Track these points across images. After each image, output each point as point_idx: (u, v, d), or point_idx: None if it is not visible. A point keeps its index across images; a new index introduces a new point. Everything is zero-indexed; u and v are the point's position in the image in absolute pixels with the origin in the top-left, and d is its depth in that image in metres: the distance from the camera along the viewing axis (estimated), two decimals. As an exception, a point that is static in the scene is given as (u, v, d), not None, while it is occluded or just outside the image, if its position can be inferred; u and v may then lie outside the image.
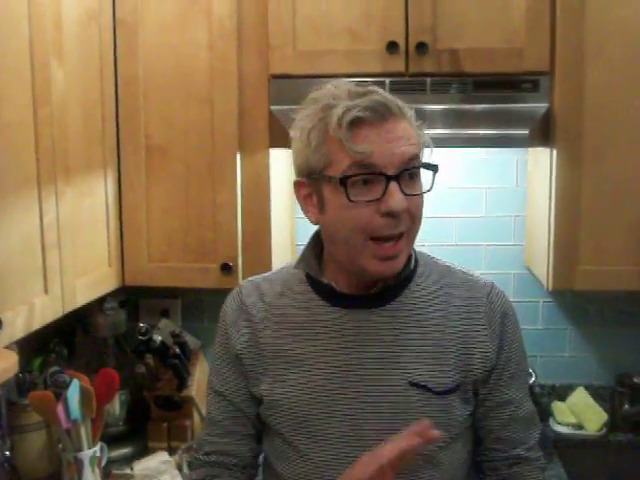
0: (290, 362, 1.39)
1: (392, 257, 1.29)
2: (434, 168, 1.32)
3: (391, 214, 1.25)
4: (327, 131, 1.27)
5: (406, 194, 1.26)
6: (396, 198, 1.24)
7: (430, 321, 1.38)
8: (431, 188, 1.32)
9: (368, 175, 1.25)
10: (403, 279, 1.39)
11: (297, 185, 1.37)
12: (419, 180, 1.31)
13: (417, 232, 1.34)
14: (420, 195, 1.31)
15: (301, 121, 1.33)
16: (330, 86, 1.33)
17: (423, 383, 1.34)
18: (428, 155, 1.34)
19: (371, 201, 1.25)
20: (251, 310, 1.45)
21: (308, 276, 1.43)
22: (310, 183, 1.33)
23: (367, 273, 1.32)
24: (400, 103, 1.30)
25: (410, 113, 1.32)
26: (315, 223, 1.37)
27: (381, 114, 1.25)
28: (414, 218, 1.30)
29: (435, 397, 1.34)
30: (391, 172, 1.25)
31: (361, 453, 1.31)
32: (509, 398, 1.42)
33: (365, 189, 1.26)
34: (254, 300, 1.46)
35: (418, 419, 1.30)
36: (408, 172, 1.27)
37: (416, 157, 1.29)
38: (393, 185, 1.25)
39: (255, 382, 1.43)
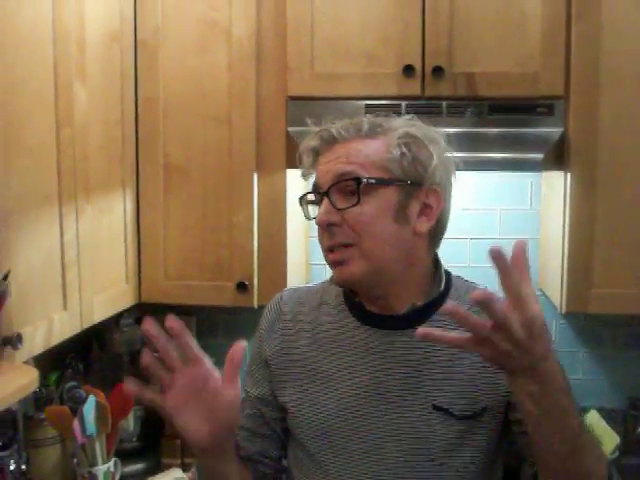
0: (317, 375, 1.41)
1: (340, 262, 1.34)
2: (356, 180, 1.31)
3: (319, 226, 1.35)
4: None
5: (339, 208, 1.32)
6: (320, 212, 1.34)
7: None
8: (358, 201, 1.31)
9: (312, 194, 1.40)
10: (433, 301, 1.39)
11: None
12: (364, 195, 1.31)
13: (372, 246, 1.32)
14: (352, 209, 1.31)
15: None
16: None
17: (446, 407, 1.34)
18: (438, 170, 1.37)
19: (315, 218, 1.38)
20: (287, 319, 1.48)
21: (344, 291, 1.46)
22: None
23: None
24: (370, 124, 1.36)
25: (390, 133, 1.35)
26: None
27: (326, 140, 1.37)
28: (357, 231, 1.32)
29: (457, 422, 1.34)
30: (323, 189, 1.35)
31: (380, 471, 1.34)
32: None
33: (317, 207, 1.38)
34: (292, 309, 1.49)
35: (439, 442, 1.32)
36: (339, 187, 1.32)
37: (348, 173, 1.32)
38: (324, 200, 1.34)
39: (281, 389, 1.45)
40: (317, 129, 1.40)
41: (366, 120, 1.37)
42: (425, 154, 1.35)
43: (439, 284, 1.42)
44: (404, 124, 1.38)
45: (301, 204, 1.44)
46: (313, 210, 1.41)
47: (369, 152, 1.33)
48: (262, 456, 1.50)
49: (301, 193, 1.44)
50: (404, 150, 1.33)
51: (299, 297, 1.51)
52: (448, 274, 1.47)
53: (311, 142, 1.39)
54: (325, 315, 1.46)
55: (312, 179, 1.42)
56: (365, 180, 1.31)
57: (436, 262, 1.45)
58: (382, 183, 1.32)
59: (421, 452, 1.33)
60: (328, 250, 1.35)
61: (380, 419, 1.36)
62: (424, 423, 1.34)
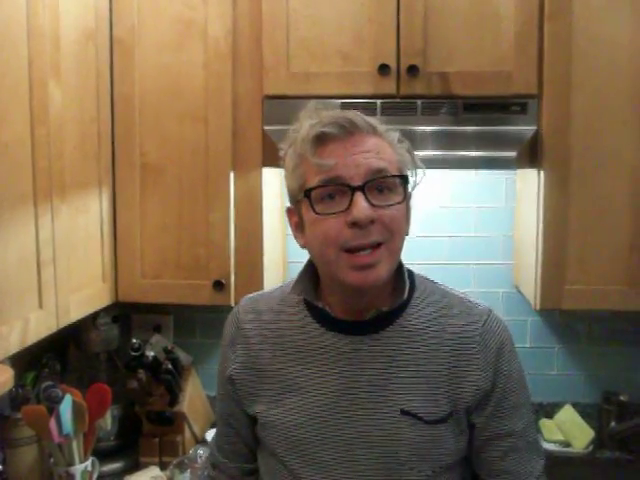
0: (285, 384, 1.40)
1: (368, 266, 1.27)
2: (403, 178, 1.31)
3: (357, 224, 1.25)
4: (299, 152, 1.31)
5: (374, 205, 1.26)
6: (360, 208, 1.24)
7: (424, 348, 1.37)
8: (404, 199, 1.31)
9: (333, 187, 1.27)
10: (398, 305, 1.38)
11: (288, 213, 1.41)
12: (394, 192, 1.30)
13: (399, 245, 1.32)
14: (393, 207, 1.29)
15: (282, 150, 1.38)
16: (304, 111, 1.36)
17: (414, 412, 1.33)
18: (420, 178, 1.35)
19: (337, 213, 1.27)
20: (248, 331, 1.46)
21: (304, 298, 1.43)
22: (295, 208, 1.37)
23: (347, 285, 1.30)
24: (376, 123, 1.33)
25: (390, 134, 1.34)
26: (302, 246, 1.38)
27: (346, 129, 1.28)
28: (390, 230, 1.28)
29: (426, 426, 1.33)
30: (356, 183, 1.26)
31: (352, 477, 1.33)
32: (509, 430, 1.38)
33: (332, 202, 1.28)
34: (251, 320, 1.47)
35: (408, 447, 1.32)
36: (375, 184, 1.27)
37: (385, 170, 1.28)
38: (358, 195, 1.25)
39: (250, 402, 1.45)
40: (313, 119, 1.32)
41: (361, 115, 1.33)
42: (412, 159, 1.36)
43: (403, 289, 1.38)
44: (384, 125, 1.36)
45: (308, 197, 1.29)
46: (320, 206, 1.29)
47: (388, 150, 1.32)
48: (247, 475, 1.55)
49: (312, 185, 1.29)
50: (406, 154, 1.35)
51: (258, 306, 1.49)
52: (412, 274, 1.45)
53: (324, 128, 1.28)
54: (287, 323, 1.43)
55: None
56: (408, 178, 1.31)
57: (399, 264, 1.41)
58: (408, 183, 1.33)
59: (391, 457, 1.33)
60: (356, 250, 1.27)
61: (349, 425, 1.35)
62: (393, 428, 1.33)
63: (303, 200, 1.31)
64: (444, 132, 2.13)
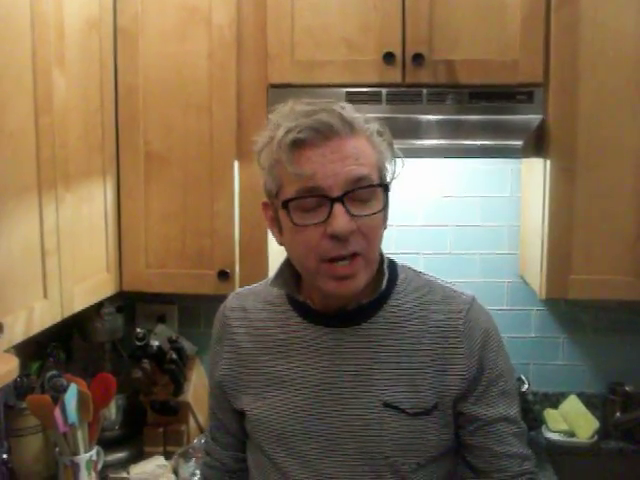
0: (270, 379, 1.39)
1: (347, 277, 1.25)
2: (384, 187, 1.28)
3: (336, 237, 1.22)
4: (274, 157, 1.26)
5: (354, 215, 1.23)
6: (340, 221, 1.21)
7: (406, 339, 1.35)
8: (384, 207, 1.28)
9: (311, 198, 1.23)
10: (379, 297, 1.36)
11: (263, 207, 1.37)
12: (374, 199, 1.26)
13: (376, 253, 1.30)
14: (372, 215, 1.25)
15: (257, 143, 1.33)
16: (282, 105, 1.31)
17: (396, 404, 1.32)
18: (399, 168, 1.31)
19: (317, 224, 1.23)
20: (234, 328, 1.45)
21: (286, 290, 1.42)
22: (271, 203, 1.33)
23: (326, 293, 1.30)
24: (353, 117, 1.26)
25: (370, 129, 1.29)
26: (279, 244, 1.36)
27: (323, 134, 1.22)
28: (368, 239, 1.25)
29: (409, 418, 1.32)
30: (335, 194, 1.22)
31: (336, 471, 1.33)
32: (501, 415, 1.35)
33: (311, 212, 1.24)
34: (237, 316, 1.46)
35: (391, 439, 1.31)
36: (355, 193, 1.23)
37: (365, 178, 1.24)
38: (337, 207, 1.22)
39: (237, 398, 1.44)
40: (291, 123, 1.23)
41: (339, 113, 1.25)
42: (392, 151, 1.32)
43: (382, 281, 1.36)
44: (363, 116, 1.29)
45: (286, 208, 1.25)
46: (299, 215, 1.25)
47: (368, 151, 1.27)
48: (242, 463, 1.53)
49: (289, 196, 1.24)
50: (386, 148, 1.30)
51: (243, 301, 1.48)
52: (394, 265, 1.42)
53: (300, 135, 1.21)
54: (270, 317, 1.42)
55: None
56: (389, 187, 1.27)
57: (380, 256, 1.38)
58: (389, 190, 1.29)
59: (374, 449, 1.32)
60: (333, 260, 1.24)
61: (332, 418, 1.34)
62: (375, 420, 1.32)
63: (280, 207, 1.28)
64: (450, 121, 2.12)
